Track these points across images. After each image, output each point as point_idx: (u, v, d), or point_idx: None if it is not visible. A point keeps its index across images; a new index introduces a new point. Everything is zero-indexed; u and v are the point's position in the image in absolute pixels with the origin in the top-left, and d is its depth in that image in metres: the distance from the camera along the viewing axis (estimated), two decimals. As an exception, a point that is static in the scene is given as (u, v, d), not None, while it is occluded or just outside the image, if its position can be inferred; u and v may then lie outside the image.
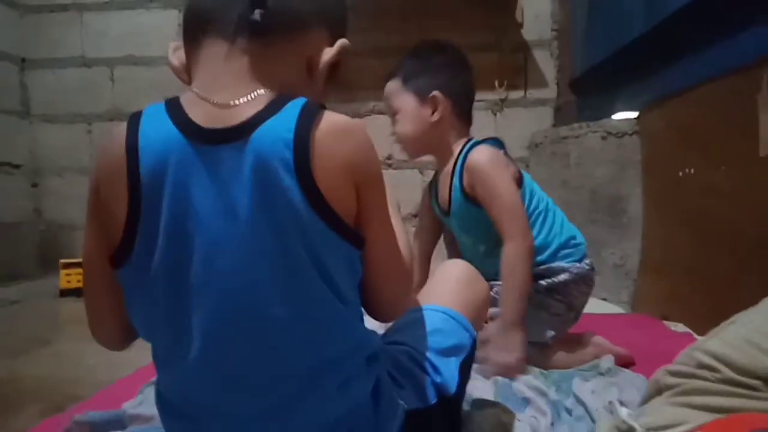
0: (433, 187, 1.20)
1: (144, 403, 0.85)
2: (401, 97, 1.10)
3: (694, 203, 1.29)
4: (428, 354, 0.59)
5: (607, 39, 1.74)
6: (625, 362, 1.02)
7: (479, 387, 0.84)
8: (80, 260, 1.75)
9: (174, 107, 0.49)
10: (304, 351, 0.50)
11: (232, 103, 0.48)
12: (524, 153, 2.16)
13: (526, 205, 1.05)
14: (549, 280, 1.04)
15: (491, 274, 1.00)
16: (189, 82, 0.53)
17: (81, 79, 2.32)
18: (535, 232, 1.04)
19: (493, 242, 1.04)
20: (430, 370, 0.58)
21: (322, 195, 0.46)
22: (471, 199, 1.05)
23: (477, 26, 2.21)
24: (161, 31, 2.28)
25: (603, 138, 1.66)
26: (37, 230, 2.36)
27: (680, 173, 1.34)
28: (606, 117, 1.74)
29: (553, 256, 1.05)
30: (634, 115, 1.65)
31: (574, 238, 1.09)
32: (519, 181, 1.07)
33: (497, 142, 1.12)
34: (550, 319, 1.05)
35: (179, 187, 0.46)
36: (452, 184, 1.08)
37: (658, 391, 0.49)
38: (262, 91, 0.49)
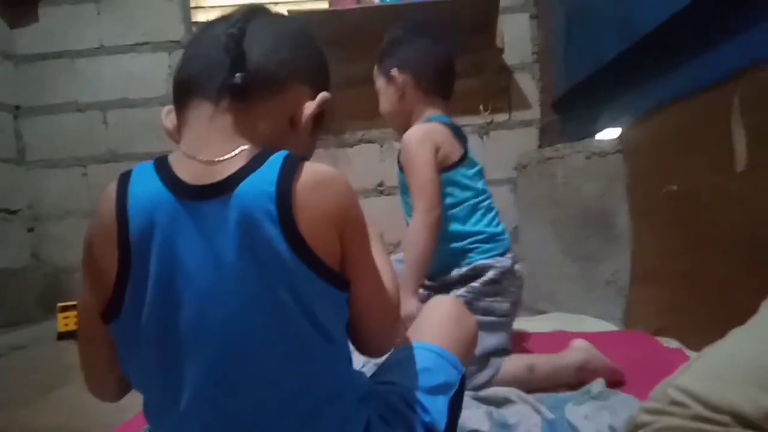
0: None
1: (146, 451, 0.87)
2: (377, 80, 1.22)
3: (679, 216, 1.31)
4: (417, 393, 0.61)
5: (586, 60, 1.79)
6: (612, 375, 1.05)
7: (474, 417, 0.86)
8: (77, 303, 1.74)
9: (162, 166, 0.51)
10: (294, 395, 0.52)
11: (216, 159, 0.50)
12: (512, 174, 2.20)
13: (455, 191, 1.11)
14: (481, 280, 1.07)
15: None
16: (178, 140, 0.56)
17: (75, 124, 2.35)
18: (459, 220, 1.10)
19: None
20: (419, 409, 0.59)
21: (306, 243, 0.48)
22: (403, 171, 1.12)
23: (459, 52, 2.26)
24: (152, 73, 2.32)
25: (587, 158, 1.69)
26: (36, 275, 2.37)
27: (663, 188, 1.37)
28: (589, 135, 1.78)
29: (474, 246, 1.09)
30: (616, 133, 1.68)
31: (500, 234, 1.14)
32: (455, 164, 1.12)
33: (453, 126, 1.16)
34: (501, 323, 1.08)
35: (166, 243, 0.49)
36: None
37: (635, 428, 0.50)
38: (245, 147, 0.51)
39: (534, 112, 2.29)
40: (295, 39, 0.59)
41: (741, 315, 0.54)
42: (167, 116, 0.59)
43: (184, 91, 0.55)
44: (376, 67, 1.23)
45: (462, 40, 2.19)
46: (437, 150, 1.09)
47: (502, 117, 2.29)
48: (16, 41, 2.35)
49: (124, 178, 0.52)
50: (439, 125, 1.13)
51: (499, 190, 2.26)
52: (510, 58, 2.27)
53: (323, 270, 0.50)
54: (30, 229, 2.39)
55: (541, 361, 1.06)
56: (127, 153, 2.35)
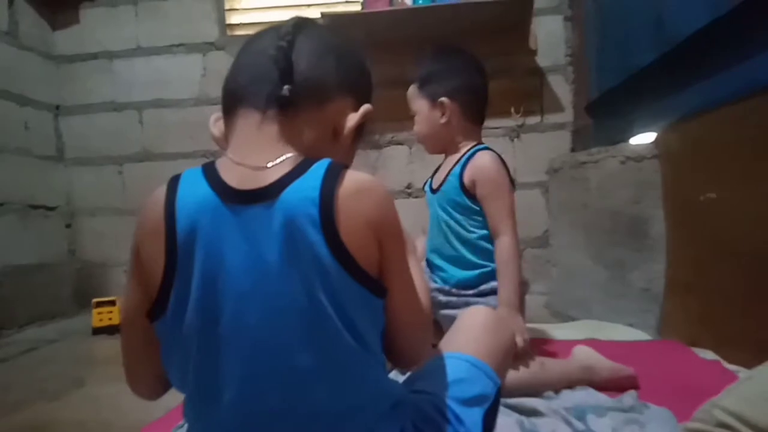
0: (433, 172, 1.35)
1: (177, 448, 0.88)
2: (417, 101, 1.25)
3: (718, 225, 1.28)
4: (452, 403, 0.61)
5: (621, 63, 1.75)
6: (623, 376, 1.06)
7: (505, 426, 0.85)
8: (112, 299, 1.80)
9: (210, 171, 0.53)
10: (330, 398, 0.52)
11: (262, 165, 0.52)
12: (543, 177, 2.17)
13: None
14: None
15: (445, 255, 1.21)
16: (227, 149, 0.57)
17: (112, 123, 2.42)
18: None
19: (457, 228, 1.20)
20: (453, 420, 0.59)
21: (347, 248, 0.49)
22: (465, 189, 1.18)
23: (491, 54, 2.23)
24: (186, 75, 2.37)
25: (622, 162, 1.66)
26: (72, 270, 2.44)
27: (702, 196, 1.33)
28: (623, 140, 1.74)
29: None
30: (651, 137, 1.65)
31: None
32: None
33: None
34: None
35: (212, 245, 0.50)
36: (452, 170, 1.22)
37: (678, 447, 0.49)
38: (290, 154, 0.53)
39: (567, 115, 2.25)
40: (340, 52, 0.60)
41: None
42: (215, 123, 0.61)
43: (233, 100, 0.57)
44: (416, 89, 1.25)
45: (494, 40, 2.18)
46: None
47: (534, 120, 2.27)
48: (58, 42, 2.42)
49: (173, 182, 0.53)
50: (497, 156, 1.21)
51: (529, 193, 2.23)
52: (543, 60, 2.24)
53: (362, 275, 0.51)
54: (67, 225, 2.46)
55: (551, 361, 1.11)
56: (161, 152, 2.40)
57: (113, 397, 1.26)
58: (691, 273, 1.45)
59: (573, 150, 2.21)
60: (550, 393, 1.02)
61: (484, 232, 1.19)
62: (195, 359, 0.52)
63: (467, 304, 1.14)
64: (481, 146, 1.22)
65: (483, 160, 1.18)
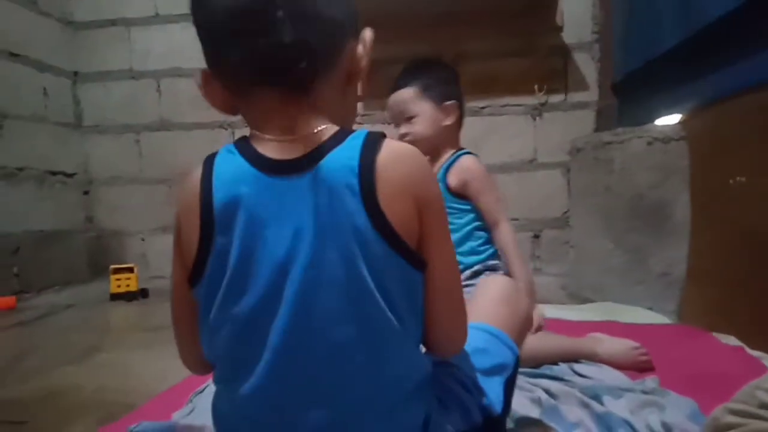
0: None
1: (194, 413, 0.88)
2: (419, 103, 1.30)
3: (742, 212, 1.24)
4: (473, 374, 0.59)
5: (649, 43, 1.70)
6: (629, 351, 1.08)
7: (523, 404, 0.83)
8: (129, 265, 1.80)
9: (244, 145, 0.53)
10: (364, 371, 0.51)
11: (298, 136, 0.51)
12: (565, 158, 2.12)
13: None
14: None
15: None
16: (232, 113, 0.56)
17: (129, 92, 2.41)
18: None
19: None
20: (475, 391, 0.58)
21: (386, 218, 0.49)
22: (453, 191, 1.27)
23: (513, 31, 2.19)
24: (204, 44, 2.35)
25: (649, 143, 1.61)
26: (88, 237, 2.46)
27: (728, 181, 1.29)
28: (648, 121, 1.69)
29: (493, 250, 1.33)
30: (677, 119, 1.60)
31: None
32: None
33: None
34: None
35: (251, 215, 0.50)
36: (437, 174, 1.30)
37: (722, 429, 0.47)
38: (324, 126, 0.52)
39: (591, 94, 2.20)
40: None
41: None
42: (210, 93, 0.55)
43: (246, 77, 0.53)
44: (416, 92, 1.30)
45: (518, 17, 2.12)
46: None
47: (557, 98, 2.21)
48: (75, 9, 2.41)
49: (210, 158, 0.53)
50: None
51: (550, 173, 2.19)
52: (569, 36, 2.18)
53: (401, 246, 0.50)
54: (85, 192, 2.48)
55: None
56: (179, 122, 2.39)
57: (130, 364, 1.27)
58: (713, 259, 1.42)
59: (596, 130, 2.17)
60: (563, 367, 1.01)
61: (470, 226, 1.28)
62: (230, 327, 0.51)
63: None
64: (464, 151, 1.32)
65: (469, 162, 1.28)
